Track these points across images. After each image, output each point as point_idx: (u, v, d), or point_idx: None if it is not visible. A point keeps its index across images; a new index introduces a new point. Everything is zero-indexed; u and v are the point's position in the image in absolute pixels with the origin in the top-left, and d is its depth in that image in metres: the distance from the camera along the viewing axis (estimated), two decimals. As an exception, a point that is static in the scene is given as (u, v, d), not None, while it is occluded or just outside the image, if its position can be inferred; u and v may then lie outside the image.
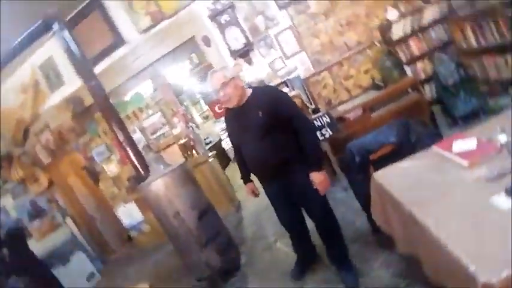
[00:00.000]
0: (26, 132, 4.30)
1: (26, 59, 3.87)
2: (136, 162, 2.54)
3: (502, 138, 1.09)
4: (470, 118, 2.88)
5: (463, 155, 1.11)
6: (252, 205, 3.73)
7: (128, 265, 4.06)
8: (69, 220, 4.46)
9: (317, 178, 1.57)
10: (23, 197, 4.14)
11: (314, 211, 1.72)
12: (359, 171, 1.73)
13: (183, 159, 3.52)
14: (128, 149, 2.57)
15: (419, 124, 1.71)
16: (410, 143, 1.68)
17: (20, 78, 4.09)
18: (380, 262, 1.78)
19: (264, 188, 1.85)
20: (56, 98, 4.05)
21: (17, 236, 3.21)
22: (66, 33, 2.53)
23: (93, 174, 4.18)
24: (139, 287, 1.32)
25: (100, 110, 2.56)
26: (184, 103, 6.23)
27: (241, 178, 1.94)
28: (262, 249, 2.70)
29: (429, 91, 3.17)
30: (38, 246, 3.82)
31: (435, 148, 1.28)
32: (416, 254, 1.04)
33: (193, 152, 3.65)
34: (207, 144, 6.27)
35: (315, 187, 1.60)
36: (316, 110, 3.18)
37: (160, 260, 3.59)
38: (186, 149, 3.67)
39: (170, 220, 2.32)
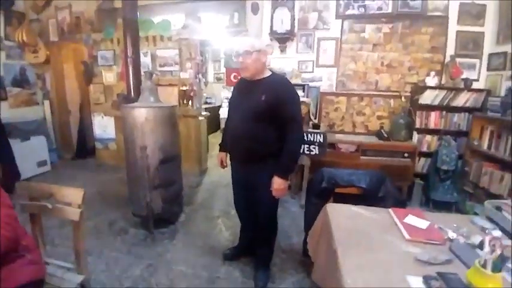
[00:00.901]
0: (48, 1, 4.13)
1: None
2: (131, 82, 2.50)
3: (452, 234, 1.14)
4: (442, 207, 2.98)
5: (410, 228, 1.15)
6: (217, 177, 3.79)
7: (80, 170, 4.08)
8: (46, 103, 4.40)
9: (277, 183, 1.58)
10: (16, 61, 4.01)
11: (262, 210, 1.75)
12: (319, 196, 1.77)
13: (176, 104, 3.49)
14: (131, 66, 2.52)
15: (392, 185, 1.75)
16: (377, 196, 1.72)
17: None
18: (294, 280, 1.88)
19: (231, 168, 1.87)
20: (90, -16, 3.88)
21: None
22: None
23: (89, 73, 4.09)
24: (75, 189, 1.32)
25: (123, 18, 2.46)
26: (206, 55, 6.10)
27: (219, 144, 1.95)
28: (203, 217, 2.77)
29: (422, 165, 3.22)
30: (7, 112, 3.77)
31: (391, 211, 1.32)
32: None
33: (189, 102, 3.61)
34: (206, 103, 6.23)
35: (270, 189, 1.61)
36: (316, 126, 3.20)
37: (111, 180, 3.62)
38: (184, 96, 3.63)
39: (135, 150, 2.33)
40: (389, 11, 3.12)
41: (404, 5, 3.09)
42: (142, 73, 2.65)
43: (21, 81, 4.09)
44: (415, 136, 3.16)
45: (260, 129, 1.57)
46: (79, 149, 4.54)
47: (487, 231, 1.18)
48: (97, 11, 3.90)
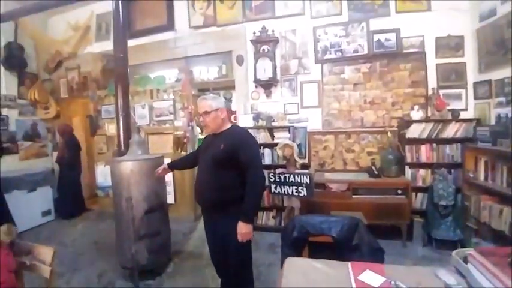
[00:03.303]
0: (59, 64, 4.68)
1: (90, 3, 4.25)
2: (121, 137, 2.68)
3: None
4: (446, 246, 2.76)
5: (362, 286, 1.10)
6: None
7: (82, 219, 4.19)
8: (55, 154, 4.70)
9: (241, 228, 1.60)
10: (28, 117, 4.43)
11: (232, 260, 1.72)
12: (292, 246, 1.72)
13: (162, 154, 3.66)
14: (122, 123, 2.71)
15: (366, 231, 1.68)
16: (350, 243, 1.66)
17: (77, 17, 4.49)
18: None
19: (203, 217, 1.89)
20: (96, 48, 4.39)
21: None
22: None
23: (94, 125, 4.43)
24: (47, 248, 1.39)
25: (115, 79, 2.73)
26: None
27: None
28: (191, 267, 2.70)
29: (420, 201, 3.08)
30: (17, 164, 4.06)
31: (350, 266, 1.26)
32: None
33: (183, 148, 3.76)
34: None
35: (240, 239, 1.61)
36: (305, 166, 3.20)
37: (109, 229, 3.65)
38: (178, 142, 3.79)
39: (121, 201, 2.41)
40: (365, 52, 3.28)
41: (379, 46, 3.25)
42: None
43: (32, 135, 4.46)
44: (408, 171, 3.08)
45: (221, 177, 1.64)
46: (74, 205, 4.30)
47: (451, 288, 1.10)
48: (102, 70, 4.34)
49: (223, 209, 1.66)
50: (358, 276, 1.17)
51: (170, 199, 3.81)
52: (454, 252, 1.29)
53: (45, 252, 1.40)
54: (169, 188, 3.88)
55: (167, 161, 3.54)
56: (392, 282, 1.14)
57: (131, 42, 3.58)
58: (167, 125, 3.99)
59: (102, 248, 3.16)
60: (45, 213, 4.08)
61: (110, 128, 4.28)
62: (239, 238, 1.60)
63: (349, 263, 1.31)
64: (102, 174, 4.35)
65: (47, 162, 4.60)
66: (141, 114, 4.06)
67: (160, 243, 2.57)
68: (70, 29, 4.46)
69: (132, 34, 3.93)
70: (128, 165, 2.40)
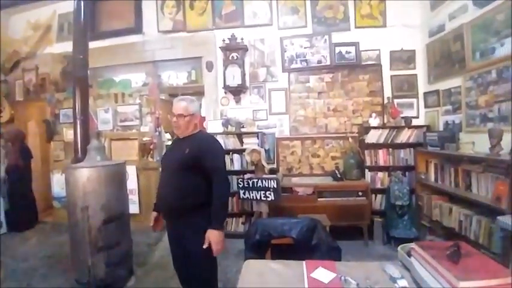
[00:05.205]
0: (16, 64, 4.34)
1: (53, 2, 4.04)
2: (79, 142, 2.54)
3: (353, 286, 1.13)
4: (405, 243, 2.93)
5: (313, 283, 1.14)
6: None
7: (37, 232, 3.85)
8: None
9: (213, 236, 1.54)
10: (-22, 121, 4.03)
11: (196, 270, 1.65)
12: (254, 249, 1.74)
13: (136, 158, 3.53)
14: (80, 127, 2.57)
15: (324, 231, 1.75)
16: (310, 243, 1.71)
17: (38, 16, 4.23)
18: None
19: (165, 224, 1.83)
20: (57, 49, 4.15)
21: None
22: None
23: (50, 131, 4.13)
24: None
25: (74, 81, 2.60)
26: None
27: (154, 204, 1.91)
28: (155, 280, 2.58)
29: (379, 202, 3.27)
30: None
31: (304, 264, 1.30)
32: None
33: (150, 154, 3.65)
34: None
35: (205, 246, 1.54)
36: (273, 171, 3.26)
37: (65, 242, 3.40)
38: (144, 149, 3.67)
39: (76, 211, 2.26)
40: (328, 63, 3.48)
41: (340, 57, 3.46)
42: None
43: (-19, 141, 4.04)
44: (368, 174, 3.27)
45: (185, 181, 1.60)
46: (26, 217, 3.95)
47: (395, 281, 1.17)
48: (62, 72, 4.09)
49: (186, 215, 1.61)
50: (311, 273, 1.21)
51: (135, 208, 3.65)
52: (399, 247, 1.39)
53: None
54: (134, 197, 3.72)
55: (130, 168, 3.46)
56: (342, 278, 1.20)
57: (95, 44, 3.48)
58: (133, 131, 3.85)
59: (56, 263, 2.92)
60: (-3, 224, 3.70)
61: (69, 134, 4.01)
62: (213, 248, 1.54)
63: (304, 262, 1.36)
64: (59, 184, 4.05)
65: (-4, 171, 4.18)
66: (104, 118, 3.87)
67: (120, 255, 2.42)
68: (30, 28, 4.18)
69: (96, 35, 3.79)
70: (84, 172, 2.26)
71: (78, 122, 2.56)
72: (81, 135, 2.56)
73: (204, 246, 1.54)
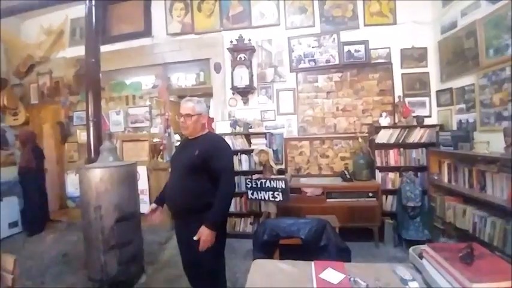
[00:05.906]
0: (30, 68, 4.49)
1: (64, 7, 4.15)
2: (92, 144, 2.60)
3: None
4: (416, 245, 2.87)
5: (322, 284, 1.13)
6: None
7: (51, 230, 3.97)
8: (23, 163, 4.45)
9: (203, 233, 1.56)
10: (-4, 124, 4.20)
11: (204, 269, 1.68)
12: (263, 249, 1.74)
13: (147, 159, 3.59)
14: (92, 128, 2.64)
15: (333, 232, 1.74)
16: (319, 244, 1.70)
17: (51, 21, 4.36)
18: None
19: (174, 224, 1.87)
20: (69, 53, 4.27)
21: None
22: (95, 4, 2.72)
23: (64, 133, 4.25)
24: (8, 256, 1.34)
25: (86, 84, 2.67)
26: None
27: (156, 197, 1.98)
28: (165, 278, 2.62)
29: (390, 203, 3.21)
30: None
31: (313, 264, 1.30)
32: None
33: (160, 155, 3.71)
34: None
35: (196, 238, 1.57)
36: (281, 172, 3.25)
37: (79, 240, 3.49)
38: (155, 149, 3.73)
39: (90, 210, 2.32)
40: (337, 62, 3.44)
41: (349, 56, 3.43)
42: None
43: None
44: (378, 175, 3.21)
45: (193, 182, 1.62)
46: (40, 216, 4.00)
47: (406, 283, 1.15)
48: (75, 75, 4.21)
49: (194, 216, 1.63)
50: (320, 274, 1.20)
51: (145, 208, 3.69)
52: (411, 249, 1.36)
53: (6, 261, 1.35)
54: (145, 197, 3.78)
55: (140, 168, 3.52)
56: (352, 279, 1.19)
57: (107, 48, 3.57)
58: (144, 132, 3.92)
59: (70, 261, 3.00)
60: (12, 224, 3.85)
61: (82, 135, 4.12)
62: (200, 243, 1.56)
63: (312, 262, 1.35)
64: (73, 184, 4.16)
65: (14, 171, 4.33)
66: (115, 120, 3.97)
67: (132, 253, 2.48)
68: (43, 33, 4.32)
69: (107, 39, 3.87)
70: (97, 173, 2.33)
71: (91, 124, 2.63)
72: (94, 137, 2.63)
73: (195, 238, 1.56)
